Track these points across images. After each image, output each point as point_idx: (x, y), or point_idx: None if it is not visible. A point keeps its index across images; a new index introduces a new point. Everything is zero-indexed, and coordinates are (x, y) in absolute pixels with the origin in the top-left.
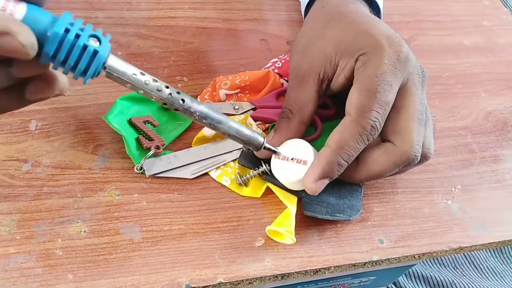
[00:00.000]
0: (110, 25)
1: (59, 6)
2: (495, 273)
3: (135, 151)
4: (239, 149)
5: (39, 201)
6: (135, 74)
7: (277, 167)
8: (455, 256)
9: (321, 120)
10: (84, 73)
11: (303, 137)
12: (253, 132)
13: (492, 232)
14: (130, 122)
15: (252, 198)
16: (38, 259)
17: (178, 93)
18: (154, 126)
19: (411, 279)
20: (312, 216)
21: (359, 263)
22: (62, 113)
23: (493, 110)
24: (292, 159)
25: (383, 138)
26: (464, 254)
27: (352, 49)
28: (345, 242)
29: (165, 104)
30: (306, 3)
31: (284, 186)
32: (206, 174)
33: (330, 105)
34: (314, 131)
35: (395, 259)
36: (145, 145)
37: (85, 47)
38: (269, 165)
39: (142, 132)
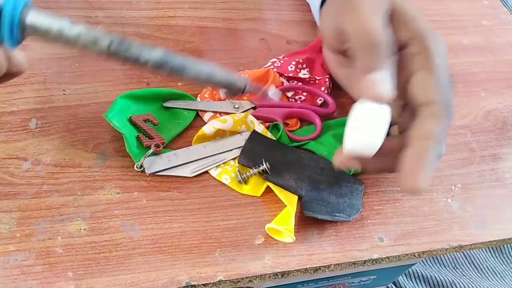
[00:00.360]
0: (110, 24)
1: (59, 6)
2: (495, 273)
3: (135, 149)
4: (239, 147)
5: (39, 199)
6: (63, 28)
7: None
8: (455, 256)
9: (321, 119)
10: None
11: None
12: (229, 74)
13: (492, 230)
14: (130, 120)
15: (252, 196)
16: (38, 257)
17: (121, 41)
18: (154, 124)
19: (411, 279)
20: (312, 217)
21: (359, 261)
22: (62, 112)
23: (493, 109)
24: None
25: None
26: (464, 254)
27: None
28: (345, 240)
29: (110, 56)
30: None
31: (284, 185)
32: (206, 172)
33: (330, 104)
34: (314, 130)
35: (395, 257)
36: (145, 144)
37: None
38: (270, 164)
39: (142, 131)
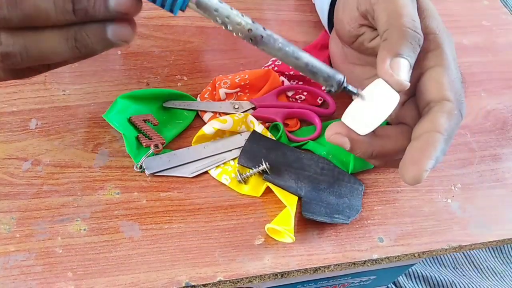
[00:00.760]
0: None
1: None
2: (495, 273)
3: (135, 150)
4: (239, 147)
5: (39, 199)
6: (221, 2)
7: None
8: (455, 256)
9: (321, 120)
10: (174, 0)
11: None
12: (328, 66)
13: (491, 230)
14: (130, 121)
15: (252, 196)
16: (38, 257)
17: (253, 22)
18: (154, 124)
19: (411, 279)
20: (311, 219)
21: (359, 261)
22: (62, 112)
23: (493, 109)
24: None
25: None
26: (464, 254)
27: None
28: (345, 241)
29: (248, 32)
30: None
31: (283, 185)
32: (206, 172)
33: (330, 104)
34: (314, 130)
35: (395, 258)
36: (145, 144)
37: None
38: (269, 164)
39: (142, 131)
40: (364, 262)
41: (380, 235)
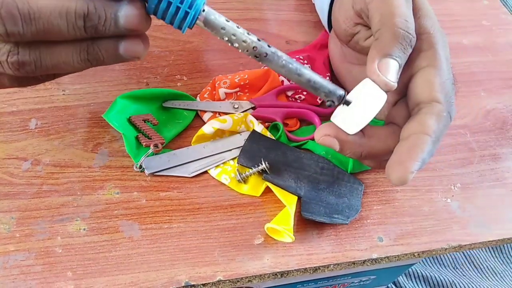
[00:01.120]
0: None
1: None
2: (495, 273)
3: (135, 150)
4: (238, 147)
5: (38, 199)
6: (228, 21)
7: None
8: (455, 256)
9: (320, 119)
10: (183, 19)
11: None
12: (329, 82)
13: (491, 230)
14: (129, 121)
15: (252, 196)
16: (38, 256)
17: (259, 40)
18: (154, 124)
19: (411, 279)
20: (310, 219)
21: (358, 261)
22: (62, 112)
23: (492, 109)
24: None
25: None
26: (464, 254)
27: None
28: (345, 240)
29: (253, 49)
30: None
31: (283, 185)
32: (206, 172)
33: None
34: (314, 130)
35: (395, 257)
36: (144, 144)
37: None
38: (269, 164)
39: (141, 131)
40: (364, 261)
41: (380, 234)
